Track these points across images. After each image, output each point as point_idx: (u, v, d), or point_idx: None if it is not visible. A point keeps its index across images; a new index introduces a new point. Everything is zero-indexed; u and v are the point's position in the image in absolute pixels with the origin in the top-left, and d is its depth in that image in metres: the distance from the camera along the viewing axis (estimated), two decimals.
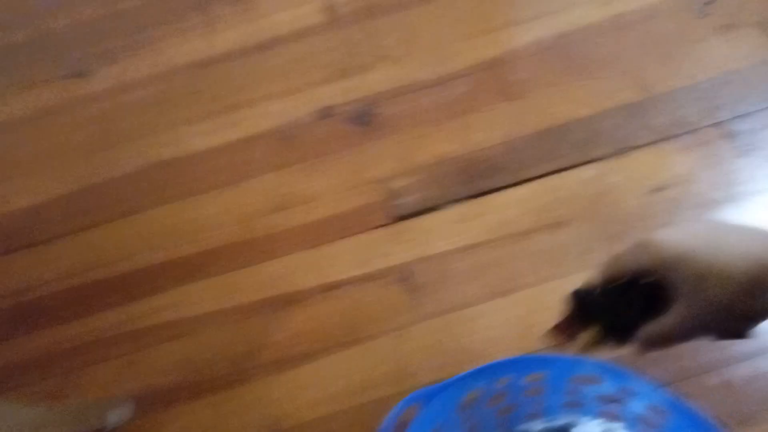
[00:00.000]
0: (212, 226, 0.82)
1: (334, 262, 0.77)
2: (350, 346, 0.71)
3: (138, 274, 0.80)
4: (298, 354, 0.71)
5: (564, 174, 0.79)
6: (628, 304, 0.42)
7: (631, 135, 0.80)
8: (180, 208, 0.85)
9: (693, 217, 0.73)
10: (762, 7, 0.88)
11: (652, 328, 0.40)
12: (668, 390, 0.47)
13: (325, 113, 0.90)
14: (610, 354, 0.45)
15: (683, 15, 0.90)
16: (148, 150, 0.91)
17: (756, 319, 0.36)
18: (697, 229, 0.38)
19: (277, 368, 0.71)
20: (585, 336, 0.44)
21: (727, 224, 0.38)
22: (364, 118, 0.88)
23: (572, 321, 0.45)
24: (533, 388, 0.54)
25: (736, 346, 0.63)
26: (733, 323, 0.37)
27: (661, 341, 0.40)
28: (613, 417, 0.54)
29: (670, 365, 0.63)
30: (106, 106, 0.97)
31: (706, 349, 0.64)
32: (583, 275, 0.45)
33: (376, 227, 0.79)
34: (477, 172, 0.81)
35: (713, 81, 0.83)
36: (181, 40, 1.02)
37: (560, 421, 0.55)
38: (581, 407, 0.54)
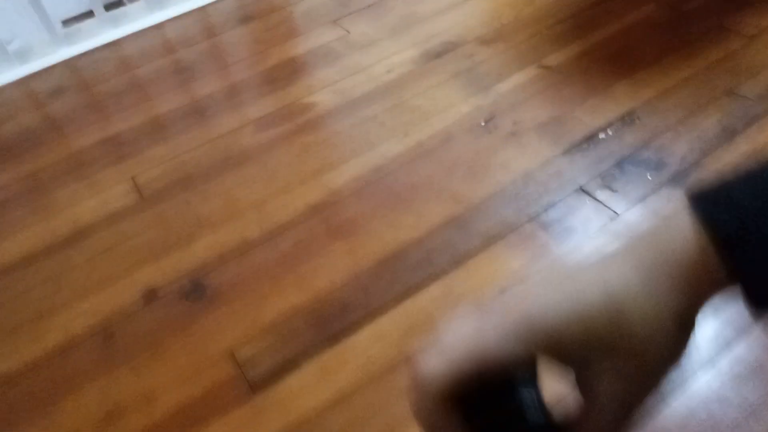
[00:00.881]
0: None
1: None
2: None
3: None
4: None
5: (413, 298, 0.78)
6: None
7: (462, 246, 0.83)
8: None
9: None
10: (530, 115, 1.01)
11: None
12: None
13: (150, 297, 0.81)
14: None
15: (473, 133, 1.00)
16: None
17: None
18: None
19: None
20: None
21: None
22: (195, 293, 0.81)
23: None
24: None
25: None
26: None
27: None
28: None
29: None
30: None
31: None
32: None
33: (234, 406, 0.69)
34: (328, 317, 0.77)
35: (516, 182, 0.91)
36: None
37: None
38: None
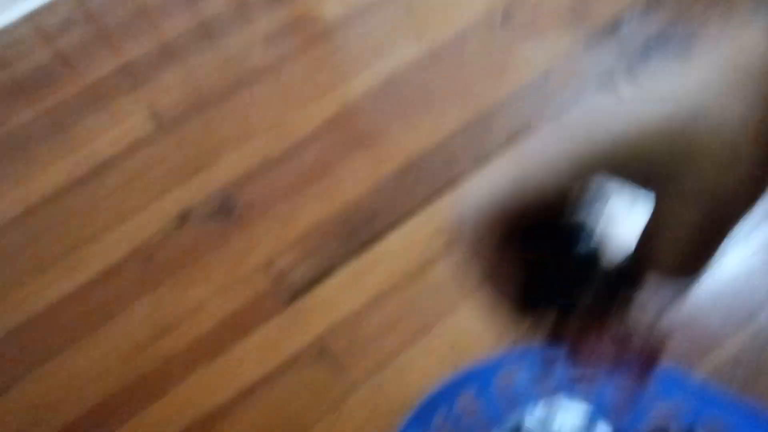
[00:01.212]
0: (96, 377, 0.72)
1: (243, 365, 0.69)
2: None
3: None
4: None
5: (439, 199, 0.79)
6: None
7: (484, 146, 0.83)
8: (52, 371, 0.73)
9: None
10: (548, 7, 0.98)
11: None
12: None
13: (183, 219, 0.84)
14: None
15: (490, 30, 0.97)
16: None
17: None
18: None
19: None
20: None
21: None
22: (225, 211, 0.83)
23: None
24: (468, 409, 0.51)
25: None
26: None
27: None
28: (551, 392, 0.52)
29: None
30: None
31: None
32: None
33: (274, 314, 0.73)
34: (356, 224, 0.79)
35: (536, 79, 0.89)
36: None
37: (508, 425, 0.52)
38: (518, 401, 0.52)
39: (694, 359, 0.62)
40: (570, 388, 0.51)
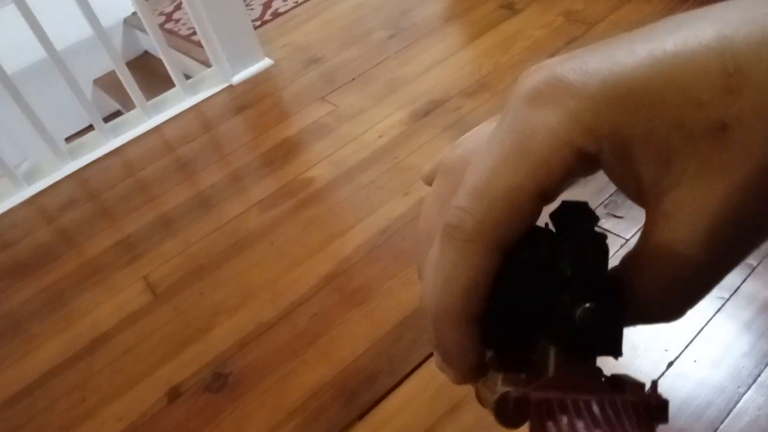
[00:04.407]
0: None
1: None
2: None
3: None
4: None
5: None
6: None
7: None
8: None
9: None
10: None
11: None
12: None
13: (173, 394, 0.81)
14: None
15: None
16: None
17: None
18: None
19: None
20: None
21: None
22: (217, 383, 0.80)
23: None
24: None
25: None
26: None
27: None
28: None
29: None
30: None
31: None
32: None
33: None
34: (355, 388, 0.75)
35: None
36: None
37: None
38: None
39: None
40: None
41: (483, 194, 0.17)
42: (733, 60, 0.14)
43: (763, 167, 0.14)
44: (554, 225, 0.18)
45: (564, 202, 0.18)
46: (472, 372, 0.20)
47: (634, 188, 0.17)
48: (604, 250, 0.17)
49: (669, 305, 0.17)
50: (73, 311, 0.98)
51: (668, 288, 0.17)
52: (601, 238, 0.17)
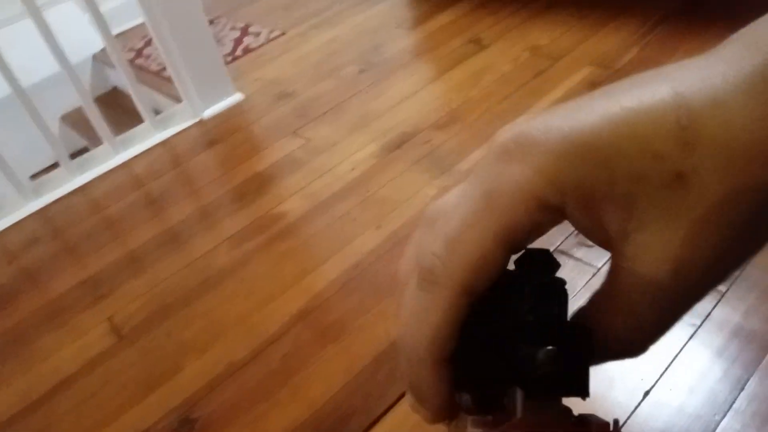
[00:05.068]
0: None
1: None
2: None
3: None
4: None
5: None
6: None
7: None
8: None
9: None
10: None
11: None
12: None
13: None
14: None
15: None
16: None
17: None
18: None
19: None
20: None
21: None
22: (185, 428, 0.77)
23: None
24: None
25: None
26: None
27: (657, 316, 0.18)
28: None
29: None
30: None
31: None
32: None
33: None
34: (330, 428, 0.73)
35: None
36: None
37: None
38: None
39: None
40: None
41: (454, 243, 0.18)
42: (687, 114, 0.16)
43: (720, 206, 0.16)
44: (518, 271, 0.18)
45: (528, 249, 0.18)
46: (443, 412, 0.21)
47: (598, 235, 0.18)
48: (564, 296, 0.18)
49: (634, 343, 0.18)
50: (34, 354, 0.94)
51: (633, 327, 0.18)
52: (561, 284, 0.18)
